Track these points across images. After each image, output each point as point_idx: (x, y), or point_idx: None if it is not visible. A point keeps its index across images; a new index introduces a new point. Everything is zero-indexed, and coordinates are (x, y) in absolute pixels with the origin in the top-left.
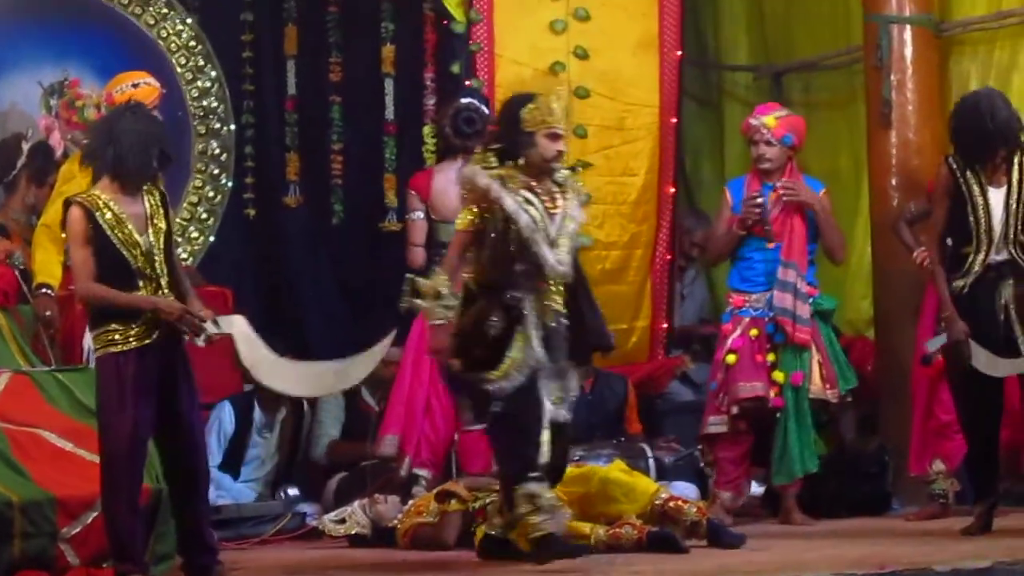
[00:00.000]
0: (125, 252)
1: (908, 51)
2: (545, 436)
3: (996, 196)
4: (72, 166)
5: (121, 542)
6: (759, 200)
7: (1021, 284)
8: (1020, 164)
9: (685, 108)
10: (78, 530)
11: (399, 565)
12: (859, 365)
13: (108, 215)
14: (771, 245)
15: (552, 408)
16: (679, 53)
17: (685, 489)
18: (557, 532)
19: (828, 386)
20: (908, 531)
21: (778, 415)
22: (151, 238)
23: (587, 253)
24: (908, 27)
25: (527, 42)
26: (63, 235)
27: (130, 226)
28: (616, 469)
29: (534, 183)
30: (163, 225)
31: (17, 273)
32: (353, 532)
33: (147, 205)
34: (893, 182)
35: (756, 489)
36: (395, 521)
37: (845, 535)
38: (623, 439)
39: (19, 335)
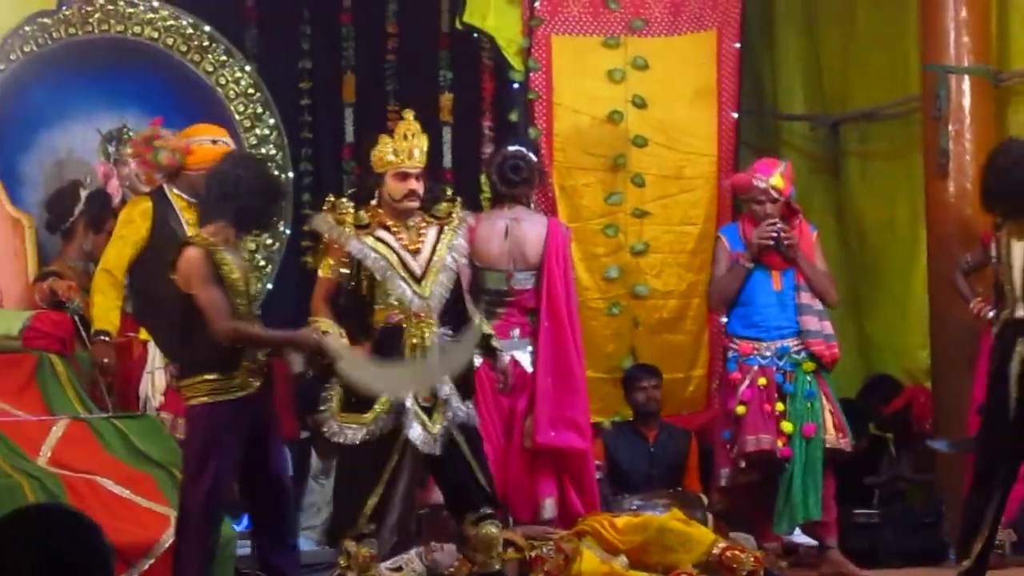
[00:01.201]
0: (236, 299)
1: (966, 101)
2: (373, 499)
3: (1019, 249)
4: (132, 210)
5: None
6: (778, 225)
7: None
8: None
9: (742, 157)
10: None
11: None
12: (916, 414)
13: (224, 259)
14: (777, 287)
15: (419, 438)
16: (737, 103)
17: (743, 540)
18: None
19: (841, 435)
20: None
21: (786, 465)
22: (254, 287)
23: (644, 302)
24: (966, 77)
25: (585, 90)
26: (122, 279)
27: (238, 273)
28: (673, 518)
29: (390, 222)
30: (254, 286)
31: (76, 319)
32: None
33: (244, 254)
34: (951, 233)
35: (810, 539)
36: (451, 569)
37: None
38: (680, 489)
39: (76, 382)
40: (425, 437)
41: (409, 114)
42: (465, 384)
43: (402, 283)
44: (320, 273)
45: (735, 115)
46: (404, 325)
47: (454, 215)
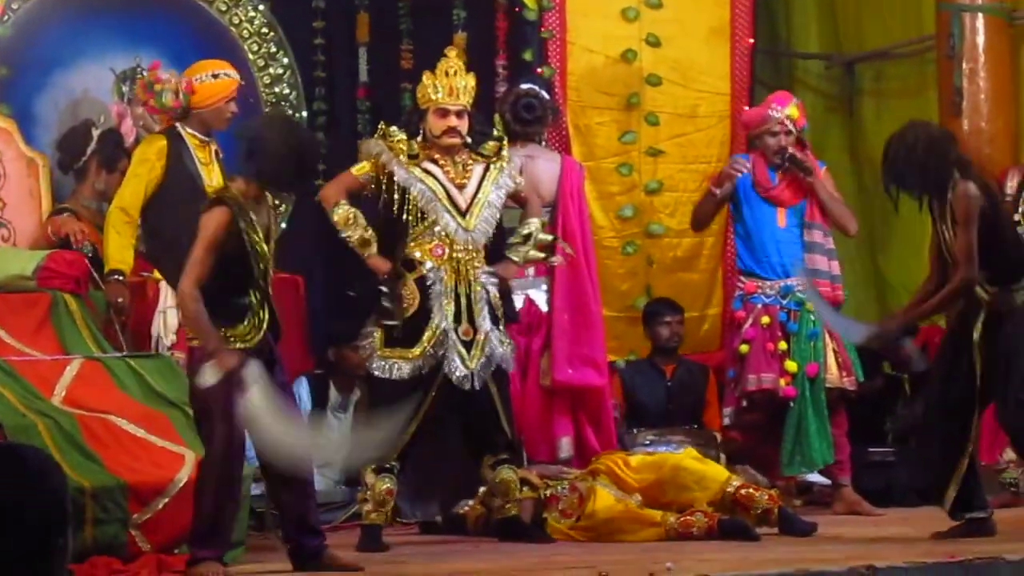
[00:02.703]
0: (252, 261)
1: (980, 40)
2: (407, 434)
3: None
4: (147, 149)
5: (203, 527)
6: (748, 165)
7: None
8: None
9: (757, 96)
10: (149, 516)
11: (470, 552)
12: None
13: (248, 220)
14: (782, 224)
15: (458, 375)
16: (751, 41)
17: (757, 477)
18: (382, 525)
19: (845, 374)
20: None
21: (791, 404)
22: (270, 250)
23: (659, 241)
24: (980, 16)
25: (599, 30)
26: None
27: (259, 235)
28: (688, 457)
29: (437, 156)
30: (275, 238)
31: (88, 259)
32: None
33: (269, 215)
34: None
35: (823, 479)
36: (466, 507)
37: (916, 524)
38: (695, 427)
39: (91, 321)
40: (464, 373)
41: (452, 51)
42: (506, 312)
43: (447, 215)
44: (351, 170)
45: (750, 54)
46: (449, 258)
47: (502, 153)
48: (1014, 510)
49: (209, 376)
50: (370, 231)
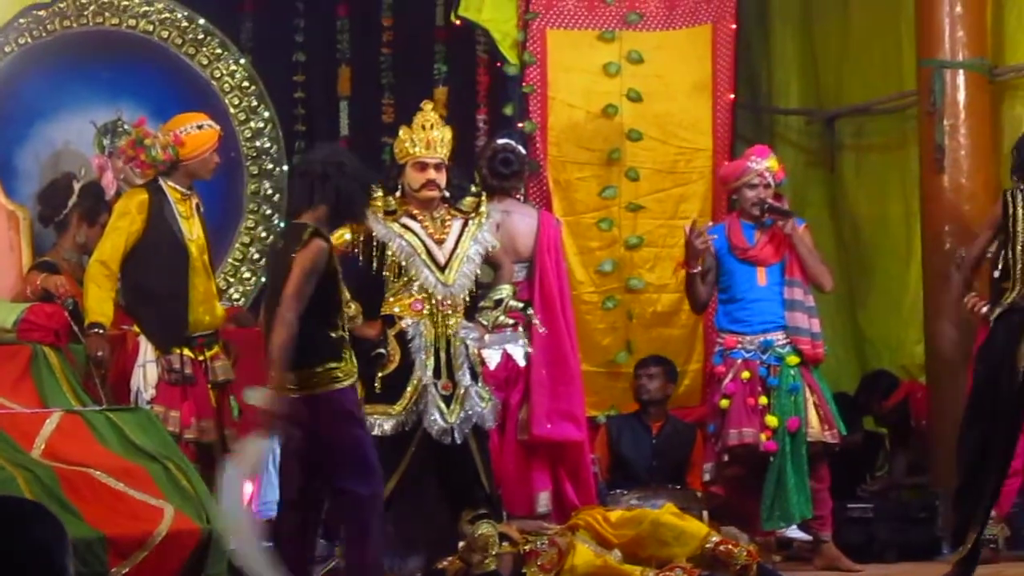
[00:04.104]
0: (340, 297)
1: (961, 96)
2: (387, 490)
3: None
4: (128, 202)
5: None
6: (710, 236)
7: None
8: None
9: (738, 152)
10: (128, 570)
11: None
12: (914, 408)
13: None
14: (763, 282)
15: (438, 429)
16: (732, 97)
17: (738, 534)
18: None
19: (827, 427)
20: None
21: (771, 459)
22: None
23: (639, 296)
24: (961, 72)
25: (580, 84)
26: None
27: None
28: (667, 512)
29: (416, 211)
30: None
31: (68, 312)
32: None
33: None
34: (946, 228)
35: (804, 534)
36: (445, 562)
37: None
38: (679, 487)
39: (70, 374)
40: (444, 427)
41: (428, 105)
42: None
43: (426, 270)
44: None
45: (731, 110)
46: (428, 313)
47: (480, 209)
48: (994, 566)
49: (258, 397)
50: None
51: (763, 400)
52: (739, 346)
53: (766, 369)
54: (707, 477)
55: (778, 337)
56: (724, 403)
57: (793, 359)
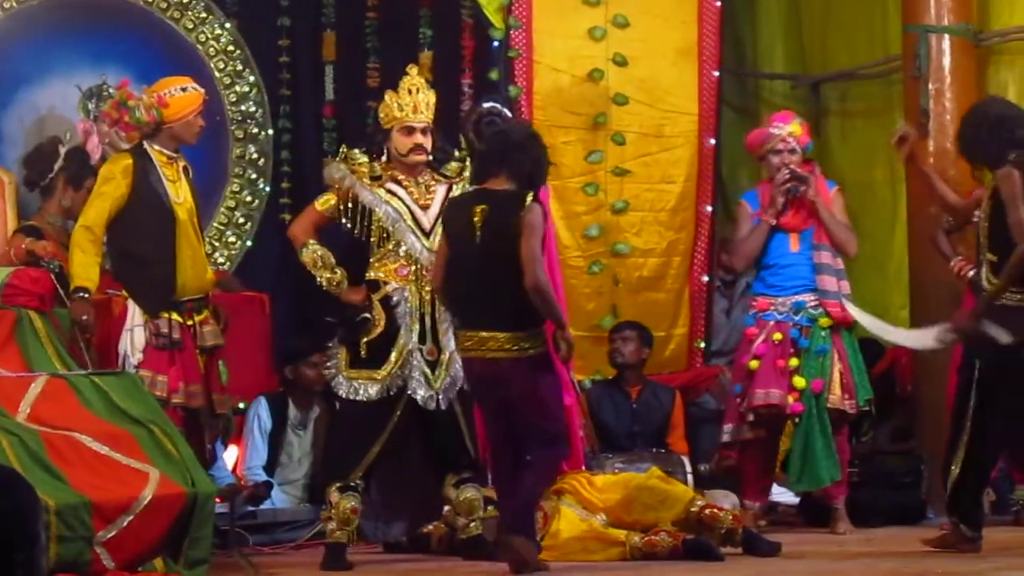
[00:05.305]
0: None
1: (946, 61)
2: (372, 454)
3: None
4: (113, 167)
5: None
6: (791, 166)
7: None
8: None
9: (723, 116)
10: (113, 534)
11: (434, 571)
12: (899, 376)
13: None
14: (795, 248)
15: (423, 395)
16: (718, 61)
17: (723, 498)
18: (346, 543)
19: (846, 396)
20: None
21: (797, 420)
22: None
23: (624, 261)
24: (946, 37)
25: (566, 49)
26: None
27: None
28: (653, 476)
29: (401, 176)
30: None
31: (53, 277)
32: None
33: None
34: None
35: (791, 498)
36: (430, 527)
37: (879, 545)
38: (663, 451)
39: (55, 339)
40: (429, 394)
41: (413, 69)
42: None
43: (412, 235)
44: (315, 205)
45: (716, 73)
46: (412, 279)
47: (464, 174)
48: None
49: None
50: (339, 270)
51: (793, 362)
52: (772, 308)
53: (798, 331)
54: (726, 438)
55: (809, 299)
56: (754, 364)
57: (825, 321)
